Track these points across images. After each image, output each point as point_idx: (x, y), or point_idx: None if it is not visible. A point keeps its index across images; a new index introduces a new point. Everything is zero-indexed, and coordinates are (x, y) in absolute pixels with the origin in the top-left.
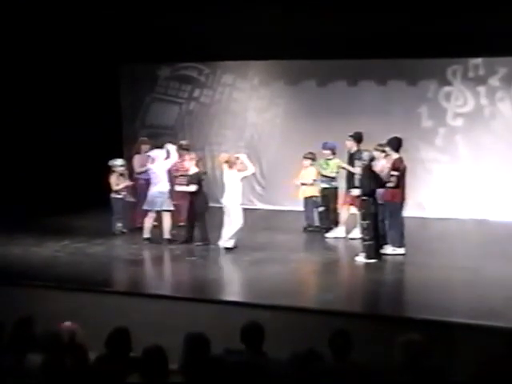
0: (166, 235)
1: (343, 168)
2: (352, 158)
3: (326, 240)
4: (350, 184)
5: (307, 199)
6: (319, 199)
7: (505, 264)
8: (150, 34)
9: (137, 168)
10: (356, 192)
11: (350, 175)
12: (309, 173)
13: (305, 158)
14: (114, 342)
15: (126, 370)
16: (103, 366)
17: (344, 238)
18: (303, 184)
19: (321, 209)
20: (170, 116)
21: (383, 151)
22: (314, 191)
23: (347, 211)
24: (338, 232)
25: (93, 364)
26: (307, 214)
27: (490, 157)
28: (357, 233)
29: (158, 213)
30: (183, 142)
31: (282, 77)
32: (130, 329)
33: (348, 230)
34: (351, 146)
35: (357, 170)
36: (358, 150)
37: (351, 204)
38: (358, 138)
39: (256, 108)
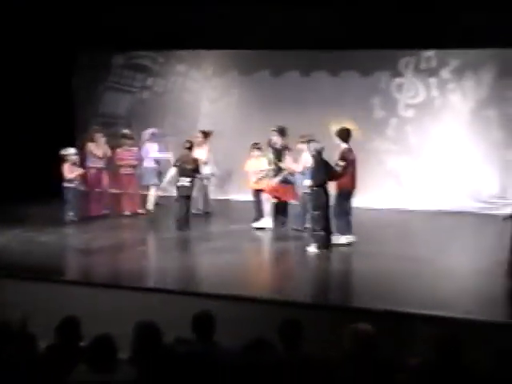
0: (150, 206)
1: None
2: (278, 152)
3: (277, 230)
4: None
5: (258, 191)
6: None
7: (456, 254)
8: (104, 21)
9: (99, 154)
10: (308, 183)
11: (278, 168)
12: (260, 163)
13: (254, 148)
14: (64, 332)
15: (76, 360)
16: (53, 355)
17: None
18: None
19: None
20: (122, 105)
21: (307, 141)
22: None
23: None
24: (265, 223)
25: (42, 353)
26: (258, 205)
27: (440, 147)
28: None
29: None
30: (126, 132)
31: (236, 67)
32: (81, 318)
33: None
34: (276, 140)
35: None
36: (286, 146)
37: (275, 196)
38: (282, 132)
39: (209, 98)
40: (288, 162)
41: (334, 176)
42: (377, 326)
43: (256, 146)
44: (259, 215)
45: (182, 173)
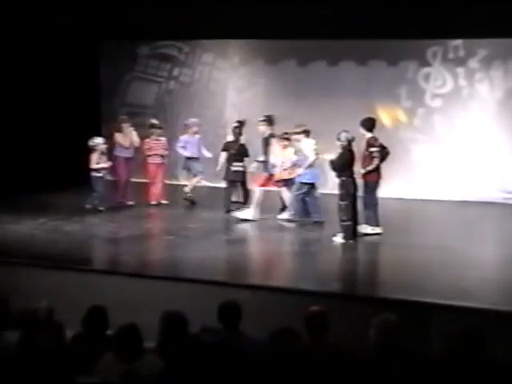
0: (187, 190)
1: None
2: (265, 142)
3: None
4: (267, 166)
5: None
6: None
7: (481, 245)
8: (130, 11)
9: (126, 144)
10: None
11: (267, 157)
12: (287, 154)
13: (282, 138)
14: (91, 321)
15: (102, 348)
16: (79, 344)
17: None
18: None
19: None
20: (149, 95)
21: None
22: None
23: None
24: (249, 213)
25: (69, 342)
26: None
27: (467, 137)
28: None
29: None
30: (154, 121)
31: (262, 56)
32: (108, 307)
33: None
34: (264, 130)
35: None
36: (272, 134)
37: (263, 185)
38: (270, 121)
39: (236, 87)
40: (276, 151)
41: (372, 164)
42: (402, 317)
43: (284, 136)
44: (284, 205)
45: (233, 158)
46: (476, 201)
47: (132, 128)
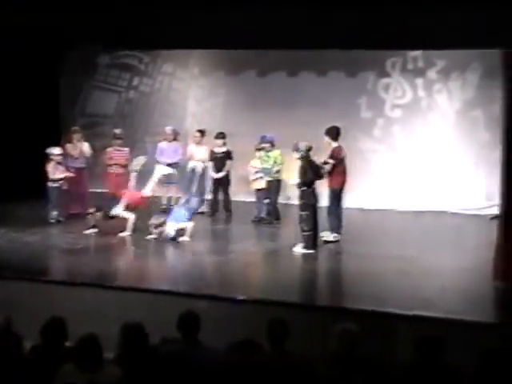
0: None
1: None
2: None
3: (264, 230)
4: None
5: (259, 190)
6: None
7: (440, 254)
8: (90, 20)
9: (75, 155)
10: (295, 182)
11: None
12: (256, 164)
13: (257, 149)
14: (50, 332)
15: (61, 360)
16: (38, 355)
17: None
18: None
19: (266, 201)
20: (109, 104)
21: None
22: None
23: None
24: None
25: (27, 353)
26: (259, 205)
27: (426, 147)
28: None
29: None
30: (115, 131)
31: (223, 67)
32: (67, 318)
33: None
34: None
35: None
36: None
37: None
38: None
39: (196, 98)
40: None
41: (322, 175)
42: (362, 326)
43: (257, 147)
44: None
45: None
46: (435, 211)
47: (83, 139)
